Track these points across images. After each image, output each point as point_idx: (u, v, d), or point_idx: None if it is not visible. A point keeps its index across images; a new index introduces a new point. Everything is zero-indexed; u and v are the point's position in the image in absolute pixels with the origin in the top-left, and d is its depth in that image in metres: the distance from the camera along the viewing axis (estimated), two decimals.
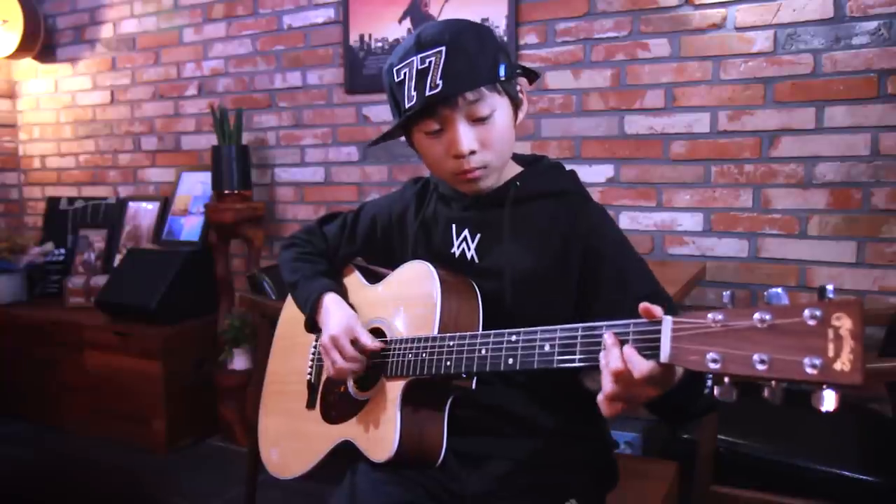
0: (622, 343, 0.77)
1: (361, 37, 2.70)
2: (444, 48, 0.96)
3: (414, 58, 0.98)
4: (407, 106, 0.99)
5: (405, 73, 0.99)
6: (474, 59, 0.97)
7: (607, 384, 0.77)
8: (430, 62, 0.96)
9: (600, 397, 0.79)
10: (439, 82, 0.95)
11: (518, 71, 1.04)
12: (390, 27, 2.64)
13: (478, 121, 1.00)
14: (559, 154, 2.37)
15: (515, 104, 1.05)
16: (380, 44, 2.67)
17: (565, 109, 2.36)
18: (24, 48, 3.45)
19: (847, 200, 2.00)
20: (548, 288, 1.03)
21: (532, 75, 1.06)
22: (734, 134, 2.12)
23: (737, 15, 2.09)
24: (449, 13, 2.53)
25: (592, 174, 2.31)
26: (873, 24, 1.93)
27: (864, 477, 1.45)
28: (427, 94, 0.96)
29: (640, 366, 0.74)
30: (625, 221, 2.29)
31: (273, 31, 2.93)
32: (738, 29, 2.09)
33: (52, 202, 3.62)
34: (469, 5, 2.47)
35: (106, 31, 3.41)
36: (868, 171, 1.97)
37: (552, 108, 2.39)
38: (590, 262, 1.02)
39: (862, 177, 1.98)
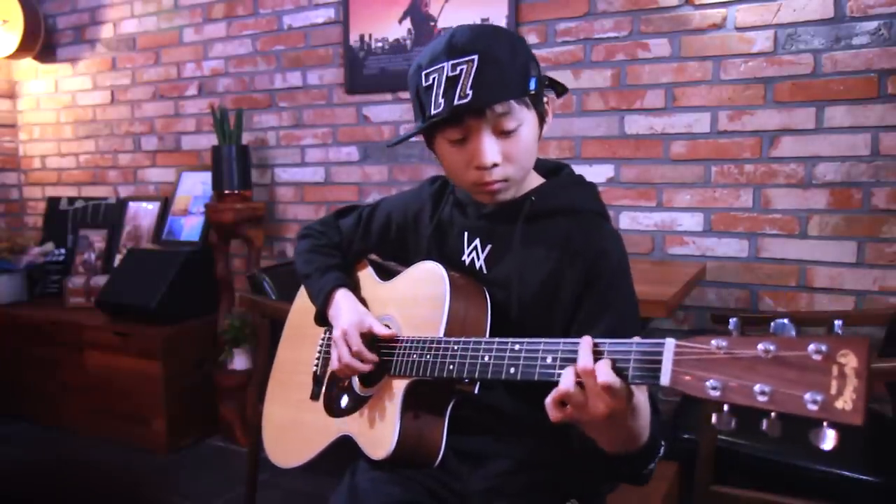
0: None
1: (361, 37, 2.70)
2: (476, 57, 0.93)
3: (445, 63, 0.95)
4: (433, 112, 0.97)
5: (434, 78, 0.96)
6: (506, 70, 0.95)
7: (567, 380, 0.78)
8: (461, 70, 0.94)
9: (551, 396, 0.79)
10: (469, 92, 0.93)
11: (546, 83, 1.02)
12: (390, 27, 2.64)
13: (503, 133, 0.98)
14: (559, 154, 2.37)
15: (542, 117, 1.04)
16: (380, 44, 2.67)
17: (565, 109, 2.36)
18: (24, 48, 3.45)
19: (847, 200, 2.00)
20: (552, 306, 1.02)
21: (560, 88, 1.05)
22: (734, 134, 2.12)
23: (737, 15, 2.09)
24: (449, 13, 2.53)
25: (592, 174, 2.31)
26: (873, 24, 1.93)
27: (864, 477, 1.45)
28: (455, 102, 0.94)
29: (609, 376, 0.74)
30: (625, 221, 2.29)
31: (273, 31, 2.93)
32: (739, 29, 2.09)
33: (53, 202, 3.62)
34: (469, 5, 2.47)
35: (106, 31, 3.41)
36: (868, 171, 1.97)
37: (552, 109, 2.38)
38: (589, 284, 1.01)
39: (862, 177, 1.98)
